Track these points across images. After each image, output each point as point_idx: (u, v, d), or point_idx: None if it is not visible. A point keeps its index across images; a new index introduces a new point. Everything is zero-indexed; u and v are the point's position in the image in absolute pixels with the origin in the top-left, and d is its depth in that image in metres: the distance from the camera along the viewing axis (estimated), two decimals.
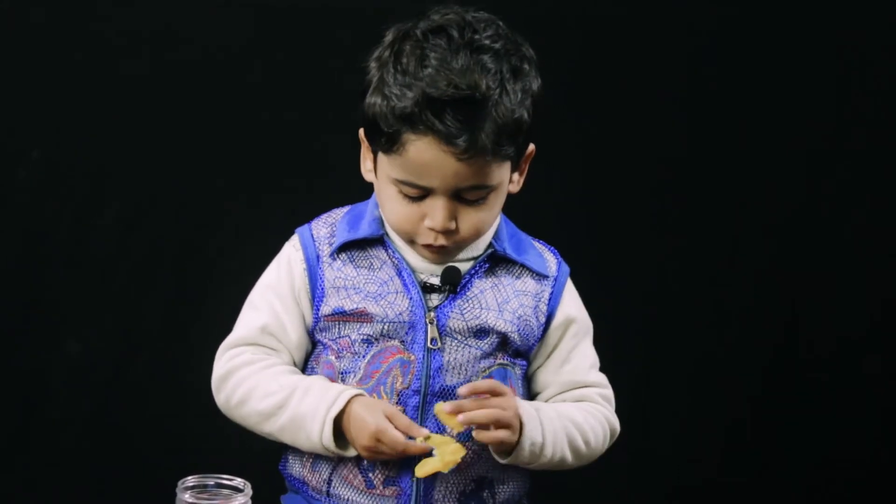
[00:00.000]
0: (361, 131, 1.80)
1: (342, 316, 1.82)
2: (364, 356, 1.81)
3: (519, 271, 1.86)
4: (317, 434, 1.77)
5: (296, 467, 1.87)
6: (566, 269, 1.89)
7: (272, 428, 1.81)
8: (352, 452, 1.79)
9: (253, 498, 1.59)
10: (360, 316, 1.81)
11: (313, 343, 1.87)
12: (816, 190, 2.75)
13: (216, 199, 2.62)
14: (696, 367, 2.76)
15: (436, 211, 1.75)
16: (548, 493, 1.96)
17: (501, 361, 1.84)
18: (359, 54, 1.79)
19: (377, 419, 1.74)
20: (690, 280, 2.74)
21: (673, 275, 2.74)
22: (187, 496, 1.57)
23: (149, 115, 2.59)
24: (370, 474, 1.80)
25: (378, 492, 1.81)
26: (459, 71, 1.70)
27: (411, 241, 1.80)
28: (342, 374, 1.82)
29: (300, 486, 1.87)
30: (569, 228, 2.51)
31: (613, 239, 2.71)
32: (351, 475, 1.81)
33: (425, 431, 1.75)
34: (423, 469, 1.74)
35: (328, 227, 1.86)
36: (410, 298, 1.80)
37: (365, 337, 1.81)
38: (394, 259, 1.82)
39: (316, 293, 1.83)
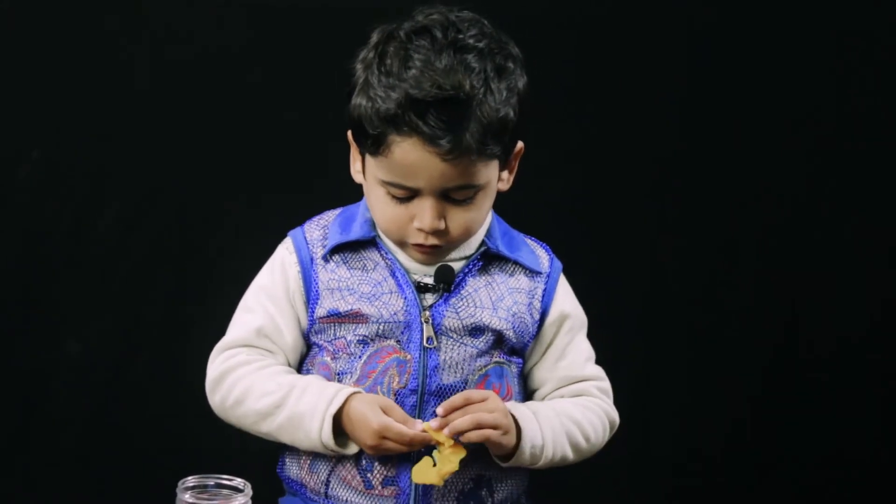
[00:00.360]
0: (349, 133, 1.80)
1: (337, 317, 1.82)
2: (360, 357, 1.81)
3: (512, 269, 1.86)
4: (316, 432, 1.77)
5: (293, 469, 1.87)
6: (559, 264, 1.90)
7: (270, 427, 1.81)
8: (351, 450, 1.79)
9: (253, 498, 1.59)
10: (356, 317, 1.81)
11: (308, 345, 1.87)
12: (816, 190, 2.75)
13: (216, 199, 2.62)
14: (696, 367, 2.76)
15: (424, 211, 1.75)
16: (547, 491, 1.96)
17: (498, 360, 1.84)
18: (359, 54, 1.79)
19: (379, 416, 1.74)
20: (690, 280, 2.74)
21: (672, 275, 2.74)
22: (187, 496, 1.57)
23: (149, 115, 2.59)
24: (368, 475, 1.80)
25: (377, 492, 1.81)
26: (443, 71, 1.70)
27: (402, 244, 1.80)
28: (338, 375, 1.82)
29: (298, 488, 1.87)
30: (568, 229, 2.51)
31: (612, 239, 2.71)
32: (349, 476, 1.81)
33: (422, 424, 1.75)
34: (420, 476, 1.75)
35: (321, 229, 1.86)
36: (405, 298, 1.80)
37: (360, 338, 1.81)
38: (387, 260, 1.82)
39: (310, 295, 1.83)
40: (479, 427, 1.74)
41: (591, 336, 1.93)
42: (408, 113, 1.69)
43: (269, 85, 2.61)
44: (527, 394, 1.91)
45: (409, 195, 1.75)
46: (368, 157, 1.77)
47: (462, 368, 1.81)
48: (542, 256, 1.89)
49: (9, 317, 2.61)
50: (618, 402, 1.92)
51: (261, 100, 2.60)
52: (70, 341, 2.63)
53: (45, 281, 2.61)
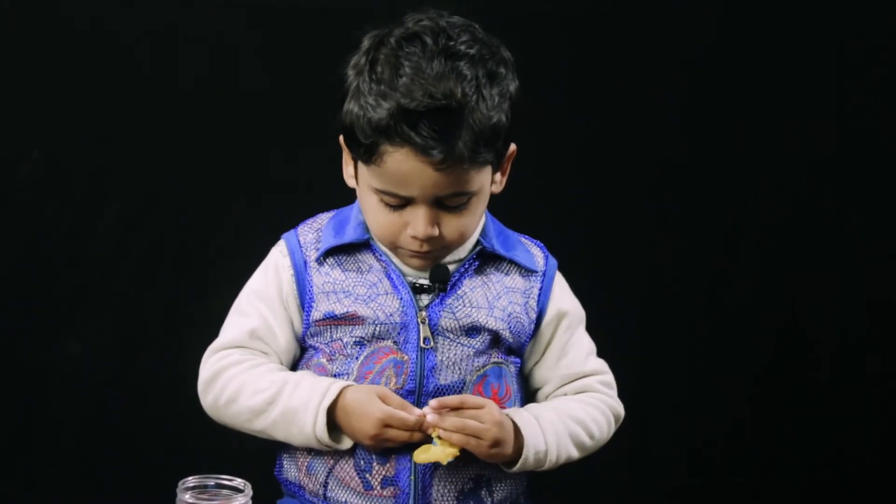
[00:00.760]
0: (341, 137, 1.79)
1: (333, 320, 1.81)
2: (357, 358, 1.81)
3: (507, 268, 1.86)
4: (310, 426, 1.77)
5: (291, 471, 1.87)
6: (554, 262, 1.89)
7: (263, 424, 1.81)
8: (345, 444, 1.79)
9: (253, 499, 1.59)
10: (352, 319, 1.81)
11: (303, 348, 1.87)
12: (816, 190, 2.75)
13: (216, 199, 2.62)
14: (696, 367, 2.76)
15: (417, 219, 1.75)
16: (547, 491, 1.96)
17: (496, 360, 1.84)
18: (350, 60, 1.78)
19: (378, 406, 1.74)
20: (690, 280, 2.74)
21: (672, 275, 2.74)
22: (187, 496, 1.57)
23: (149, 115, 2.59)
24: (367, 475, 1.80)
25: (376, 493, 1.80)
26: (434, 79, 1.69)
27: (396, 249, 1.80)
28: (335, 376, 1.81)
29: (296, 490, 1.87)
30: (567, 229, 2.52)
31: (612, 239, 2.71)
32: (347, 477, 1.81)
33: (419, 411, 1.75)
34: (423, 456, 1.74)
35: (314, 232, 1.86)
36: (401, 299, 1.80)
37: (357, 339, 1.81)
38: (381, 262, 1.82)
39: (305, 299, 1.83)
40: (461, 432, 1.74)
41: (591, 335, 1.93)
42: (399, 124, 1.68)
43: (269, 85, 2.61)
44: (528, 393, 1.91)
45: (402, 203, 1.75)
46: (361, 165, 1.77)
47: (459, 368, 1.81)
48: (537, 255, 1.89)
49: (9, 317, 2.61)
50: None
51: (261, 100, 2.60)
52: (70, 341, 2.62)
53: (45, 281, 2.61)
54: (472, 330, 1.82)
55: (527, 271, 1.86)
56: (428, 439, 1.76)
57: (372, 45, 1.75)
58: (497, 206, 1.86)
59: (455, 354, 1.81)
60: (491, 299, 1.83)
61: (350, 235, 1.83)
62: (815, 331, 2.77)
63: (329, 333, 1.82)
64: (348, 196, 1.89)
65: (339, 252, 1.83)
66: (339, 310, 1.81)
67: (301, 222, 1.88)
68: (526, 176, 1.90)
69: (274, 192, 2.59)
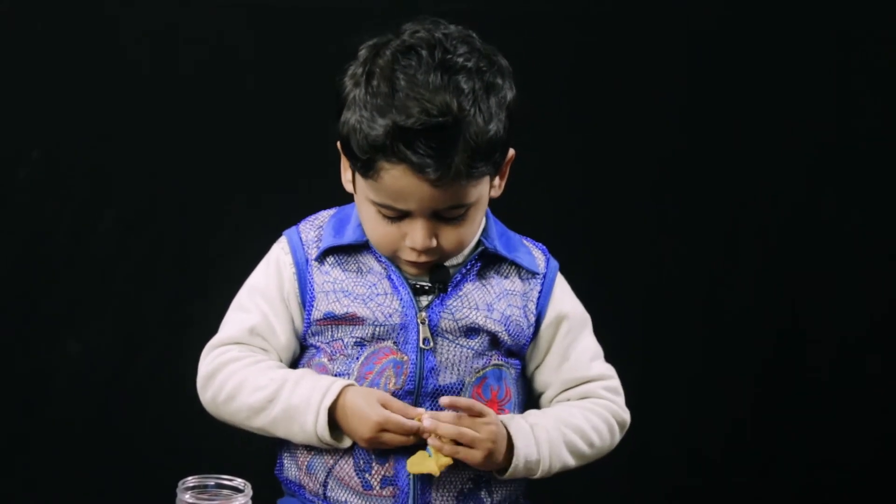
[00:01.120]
0: (339, 144, 1.79)
1: (333, 320, 1.81)
2: (357, 358, 1.81)
3: (507, 270, 1.85)
4: (311, 425, 1.77)
5: (291, 471, 1.87)
6: (555, 264, 1.89)
7: (264, 422, 1.80)
8: (346, 443, 1.79)
9: (253, 498, 1.59)
10: (352, 319, 1.80)
11: (303, 347, 1.87)
12: (816, 190, 2.75)
13: (216, 199, 2.62)
14: (696, 367, 2.76)
15: (415, 232, 1.74)
16: (546, 492, 1.96)
17: (496, 362, 1.83)
18: (348, 69, 1.78)
19: (377, 409, 1.74)
20: (690, 280, 2.74)
21: (672, 275, 2.74)
22: (187, 496, 1.57)
23: (149, 116, 2.59)
24: (367, 475, 1.80)
25: (375, 493, 1.80)
26: (431, 94, 1.68)
27: (394, 258, 1.80)
28: (335, 376, 1.81)
29: (297, 490, 1.87)
30: (568, 229, 2.52)
31: (612, 239, 2.71)
32: (347, 477, 1.81)
33: (420, 411, 1.75)
34: (417, 467, 1.75)
35: (315, 230, 1.85)
36: (401, 300, 1.80)
37: (357, 340, 1.81)
38: (381, 263, 1.82)
39: (306, 297, 1.83)
40: (457, 439, 1.73)
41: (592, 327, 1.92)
42: (396, 142, 1.67)
43: (269, 85, 2.61)
44: (530, 396, 1.91)
45: (399, 215, 1.75)
46: (359, 177, 1.77)
47: (459, 370, 1.81)
48: (538, 257, 1.88)
49: (9, 317, 2.61)
50: None
51: (261, 100, 2.60)
52: (70, 341, 2.62)
53: (45, 281, 2.61)
54: (471, 331, 1.82)
55: (527, 274, 1.86)
56: (423, 443, 1.75)
57: (369, 56, 1.73)
58: (497, 207, 1.86)
59: (454, 355, 1.81)
60: (490, 301, 1.83)
61: (349, 237, 1.83)
62: (815, 331, 2.77)
63: (330, 333, 1.82)
64: (348, 196, 1.88)
65: (339, 252, 1.83)
66: (338, 310, 1.81)
67: (303, 219, 1.88)
68: (526, 177, 1.89)
69: (274, 192, 2.59)
